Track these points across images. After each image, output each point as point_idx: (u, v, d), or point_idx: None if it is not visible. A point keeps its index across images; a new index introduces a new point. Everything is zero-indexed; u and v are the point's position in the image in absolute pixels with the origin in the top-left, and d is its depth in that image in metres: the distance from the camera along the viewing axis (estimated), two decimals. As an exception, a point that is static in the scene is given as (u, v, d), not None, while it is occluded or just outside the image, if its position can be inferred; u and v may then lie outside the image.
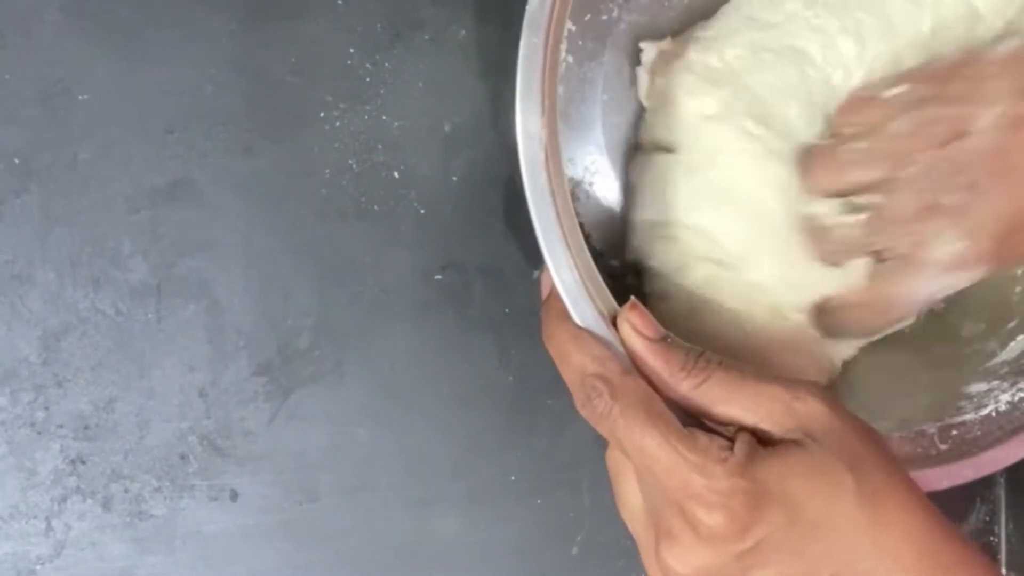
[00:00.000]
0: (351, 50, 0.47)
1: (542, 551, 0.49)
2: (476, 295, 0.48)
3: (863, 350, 0.47)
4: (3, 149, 0.44)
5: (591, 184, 0.48)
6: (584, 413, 0.37)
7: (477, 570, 0.49)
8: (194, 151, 0.46)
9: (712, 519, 0.34)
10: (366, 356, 0.47)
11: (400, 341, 0.47)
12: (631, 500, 0.39)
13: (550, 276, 0.38)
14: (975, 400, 0.46)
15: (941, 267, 0.42)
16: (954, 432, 0.44)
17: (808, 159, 0.44)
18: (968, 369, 0.47)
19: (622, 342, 0.38)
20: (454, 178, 0.48)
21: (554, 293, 0.38)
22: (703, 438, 0.36)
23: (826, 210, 0.44)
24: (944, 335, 0.49)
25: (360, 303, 0.47)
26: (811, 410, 0.37)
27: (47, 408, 0.45)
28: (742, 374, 0.37)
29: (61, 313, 0.45)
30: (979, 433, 0.44)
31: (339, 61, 0.47)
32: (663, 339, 0.38)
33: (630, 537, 0.50)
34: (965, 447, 0.44)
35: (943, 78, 0.43)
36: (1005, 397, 0.45)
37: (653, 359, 0.37)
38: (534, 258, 0.48)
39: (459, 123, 0.48)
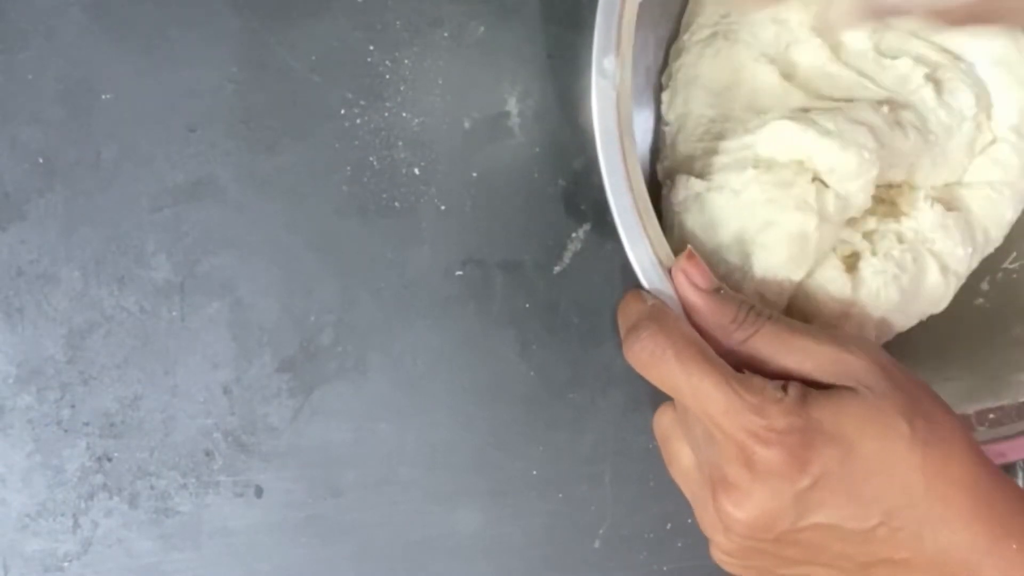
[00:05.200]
0: (371, 47, 0.47)
1: (564, 545, 0.49)
2: (497, 290, 0.48)
3: (912, 336, 0.48)
4: (27, 149, 0.44)
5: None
6: (635, 357, 0.38)
7: (499, 564, 0.49)
8: (216, 149, 0.46)
9: (770, 455, 0.35)
10: (388, 352, 0.47)
11: (422, 337, 0.48)
12: (683, 460, 0.39)
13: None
14: (1015, 388, 0.46)
15: None
16: (991, 416, 0.45)
17: None
18: (1011, 360, 0.48)
19: (675, 290, 0.38)
20: (474, 174, 0.48)
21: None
22: (758, 380, 0.36)
23: None
24: (991, 331, 0.49)
25: (382, 299, 0.47)
26: (863, 362, 0.37)
27: (73, 406, 0.45)
28: (791, 328, 0.38)
29: (86, 311, 0.45)
30: (1016, 419, 0.45)
31: (359, 58, 0.47)
32: (716, 290, 0.38)
33: (652, 530, 0.50)
34: (1000, 431, 0.44)
35: None
36: None
37: (706, 310, 0.38)
38: (554, 253, 0.49)
39: (479, 119, 0.48)
